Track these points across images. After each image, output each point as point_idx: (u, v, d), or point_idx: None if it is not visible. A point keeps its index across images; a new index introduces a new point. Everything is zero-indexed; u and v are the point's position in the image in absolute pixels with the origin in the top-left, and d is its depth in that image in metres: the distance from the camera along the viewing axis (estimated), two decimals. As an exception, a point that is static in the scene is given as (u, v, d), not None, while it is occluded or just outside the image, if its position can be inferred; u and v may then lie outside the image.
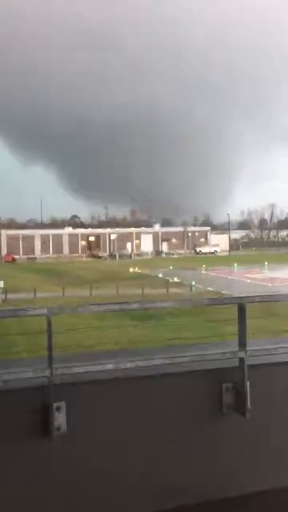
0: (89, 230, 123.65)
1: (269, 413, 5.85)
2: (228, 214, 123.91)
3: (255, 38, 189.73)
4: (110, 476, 5.31)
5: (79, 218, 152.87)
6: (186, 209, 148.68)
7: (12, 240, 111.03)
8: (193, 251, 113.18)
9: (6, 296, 36.80)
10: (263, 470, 5.81)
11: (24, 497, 5.04)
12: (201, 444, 5.63)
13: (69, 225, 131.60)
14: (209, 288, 40.69)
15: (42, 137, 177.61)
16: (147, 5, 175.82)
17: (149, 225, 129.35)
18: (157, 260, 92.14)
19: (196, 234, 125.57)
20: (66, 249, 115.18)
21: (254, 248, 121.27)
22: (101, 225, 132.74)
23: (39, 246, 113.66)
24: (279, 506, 5.78)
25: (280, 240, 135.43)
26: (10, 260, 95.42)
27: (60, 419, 5.02)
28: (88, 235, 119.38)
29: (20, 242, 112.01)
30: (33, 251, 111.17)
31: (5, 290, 37.74)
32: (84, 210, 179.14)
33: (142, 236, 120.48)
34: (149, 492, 5.43)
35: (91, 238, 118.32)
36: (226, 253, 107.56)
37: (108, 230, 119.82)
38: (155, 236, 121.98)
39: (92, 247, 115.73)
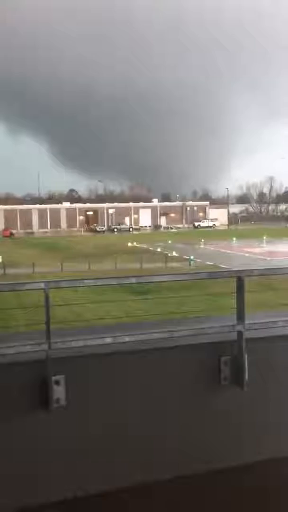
0: (87, 205, 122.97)
1: (267, 386, 5.88)
2: (227, 188, 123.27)
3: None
4: (109, 447, 5.36)
5: (76, 192, 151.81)
6: (186, 183, 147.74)
7: (9, 215, 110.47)
8: (192, 226, 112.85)
9: (4, 271, 36.78)
10: (261, 440, 5.88)
11: (24, 468, 5.10)
12: (200, 415, 5.67)
13: (66, 199, 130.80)
14: (208, 262, 40.70)
15: (41, 111, 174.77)
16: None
17: (148, 199, 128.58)
18: (155, 234, 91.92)
19: (195, 208, 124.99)
20: (64, 223, 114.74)
21: (253, 222, 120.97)
22: (99, 199, 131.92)
23: (37, 221, 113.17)
24: (278, 475, 5.87)
25: (279, 214, 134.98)
26: (8, 235, 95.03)
27: (59, 392, 5.03)
28: (86, 210, 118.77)
29: (18, 217, 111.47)
30: (31, 226, 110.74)
31: (3, 265, 37.72)
32: (82, 184, 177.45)
33: (141, 210, 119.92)
34: (149, 462, 5.49)
35: (89, 213, 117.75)
36: (225, 227, 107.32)
37: (106, 204, 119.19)
38: (154, 210, 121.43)
39: (90, 221, 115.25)
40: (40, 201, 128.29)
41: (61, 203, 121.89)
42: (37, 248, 61.92)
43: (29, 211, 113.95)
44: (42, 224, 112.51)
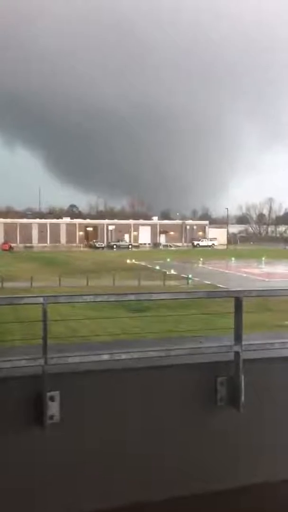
0: (87, 221, 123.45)
1: (264, 408, 5.85)
2: (227, 209, 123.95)
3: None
4: (104, 465, 5.30)
5: (77, 207, 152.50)
6: (185, 202, 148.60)
7: (9, 228, 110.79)
8: (190, 244, 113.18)
9: (2, 285, 36.74)
10: (257, 463, 5.82)
11: (16, 486, 5.03)
12: (195, 437, 5.63)
13: (67, 214, 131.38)
14: (206, 282, 40.73)
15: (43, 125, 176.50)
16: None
17: (147, 217, 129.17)
18: (154, 252, 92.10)
19: (195, 227, 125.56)
20: (63, 238, 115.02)
21: (252, 242, 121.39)
22: (99, 215, 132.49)
23: (37, 235, 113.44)
24: (274, 498, 5.80)
25: (278, 235, 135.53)
26: (7, 248, 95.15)
27: (53, 408, 5.00)
28: (86, 225, 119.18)
29: (18, 231, 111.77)
30: (30, 240, 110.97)
31: (1, 278, 37.68)
32: (82, 200, 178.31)
33: (140, 228, 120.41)
34: (144, 483, 5.43)
35: (89, 229, 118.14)
36: (224, 247, 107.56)
37: (106, 221, 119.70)
38: (153, 228, 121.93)
39: (90, 237, 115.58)
40: (40, 215, 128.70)
41: (61, 218, 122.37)
42: (35, 262, 61.93)
43: (29, 225, 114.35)
44: (42, 239, 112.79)
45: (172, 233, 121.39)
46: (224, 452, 5.73)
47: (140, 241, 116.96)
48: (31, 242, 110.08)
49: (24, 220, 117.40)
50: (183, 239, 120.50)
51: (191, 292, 7.63)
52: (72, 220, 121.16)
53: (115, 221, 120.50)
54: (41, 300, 5.13)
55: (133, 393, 5.44)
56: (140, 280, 38.23)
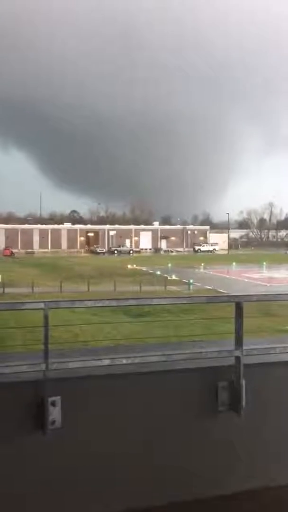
0: (88, 226, 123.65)
1: (265, 413, 5.85)
2: (228, 214, 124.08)
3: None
4: (104, 473, 5.30)
5: (78, 213, 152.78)
6: (186, 208, 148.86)
7: (11, 234, 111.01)
8: (192, 249, 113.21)
9: (3, 290, 36.78)
10: (258, 468, 5.82)
11: (17, 491, 5.03)
12: (196, 441, 5.63)
13: (68, 220, 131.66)
14: (207, 287, 40.73)
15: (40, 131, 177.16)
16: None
17: (148, 222, 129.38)
18: (155, 257, 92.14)
19: (196, 232, 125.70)
20: (64, 244, 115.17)
21: (253, 247, 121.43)
22: (100, 221, 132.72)
23: (38, 241, 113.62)
24: (274, 504, 5.78)
25: (279, 240, 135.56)
26: (9, 254, 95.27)
27: (55, 413, 5.00)
28: (87, 231, 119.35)
29: (19, 236, 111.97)
30: (31, 246, 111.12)
31: (3, 284, 37.72)
32: (83, 206, 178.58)
33: (141, 233, 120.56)
34: (145, 488, 5.43)
35: (90, 234, 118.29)
36: (225, 252, 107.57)
37: (107, 226, 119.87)
38: (154, 233, 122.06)
39: (91, 242, 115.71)
40: (42, 221, 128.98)
41: (62, 224, 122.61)
42: (37, 268, 61.99)
43: (30, 231, 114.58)
44: (43, 244, 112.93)
45: (173, 238, 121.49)
46: (226, 457, 5.72)
47: (141, 246, 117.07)
48: (32, 248, 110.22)
49: (25, 226, 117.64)
50: (184, 244, 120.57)
51: (191, 297, 7.68)
52: (73, 226, 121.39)
53: (116, 226, 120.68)
54: (42, 305, 5.15)
55: (134, 398, 5.45)
56: (141, 285, 38.25)
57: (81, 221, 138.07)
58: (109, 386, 5.37)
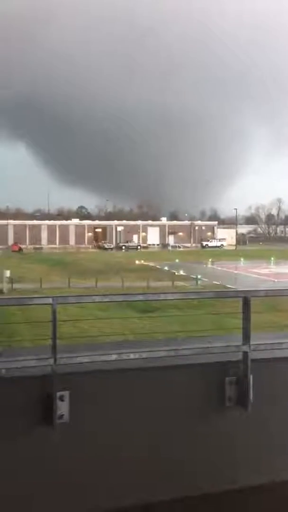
0: (95, 222, 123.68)
1: (271, 407, 5.85)
2: (235, 209, 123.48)
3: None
4: (112, 466, 5.34)
5: (86, 209, 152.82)
6: (194, 203, 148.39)
7: (19, 230, 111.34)
8: (199, 245, 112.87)
9: (12, 286, 36.92)
10: (264, 463, 5.83)
11: (26, 483, 5.09)
12: (203, 436, 5.65)
13: (75, 215, 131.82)
14: (215, 282, 40.61)
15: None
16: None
17: (156, 218, 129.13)
18: (163, 252, 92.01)
19: (203, 228, 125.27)
20: (72, 240, 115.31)
21: (261, 243, 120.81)
22: (108, 217, 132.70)
23: (46, 237, 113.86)
24: (280, 499, 5.80)
25: (287, 235, 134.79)
26: (17, 249, 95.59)
27: (63, 407, 5.04)
28: (94, 227, 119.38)
29: (27, 232, 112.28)
30: (39, 241, 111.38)
31: (11, 280, 37.88)
32: (91, 201, 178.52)
33: (149, 228, 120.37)
34: (152, 482, 5.46)
35: (98, 230, 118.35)
36: (233, 248, 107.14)
37: (115, 222, 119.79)
38: (162, 229, 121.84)
39: (99, 238, 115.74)
40: (49, 217, 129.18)
41: (70, 220, 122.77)
42: (45, 263, 62.14)
43: (38, 227, 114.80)
44: (51, 240, 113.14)
45: (180, 233, 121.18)
46: (232, 451, 5.74)
47: (149, 242, 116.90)
48: (40, 244, 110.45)
49: (34, 222, 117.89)
50: (191, 240, 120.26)
51: (199, 292, 7.61)
52: (81, 222, 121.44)
53: (124, 222, 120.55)
54: (50, 300, 5.18)
55: (141, 392, 5.47)
56: (149, 281, 38.24)
57: (88, 217, 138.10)
58: (117, 381, 5.40)
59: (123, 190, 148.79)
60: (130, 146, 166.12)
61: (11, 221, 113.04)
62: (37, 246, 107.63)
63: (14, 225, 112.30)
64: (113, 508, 5.26)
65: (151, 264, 61.18)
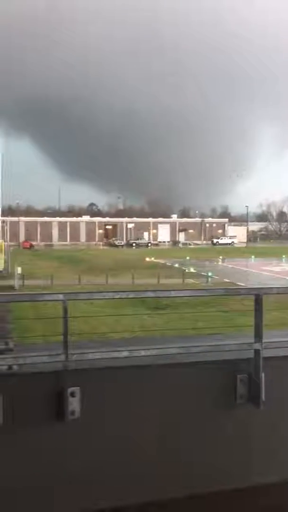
0: (106, 219, 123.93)
1: (284, 406, 5.81)
2: (247, 206, 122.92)
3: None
4: (122, 462, 5.34)
5: (96, 206, 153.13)
6: (205, 200, 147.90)
7: (30, 227, 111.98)
8: (210, 242, 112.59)
9: (23, 282, 37.15)
10: (276, 461, 5.79)
11: (37, 479, 5.10)
12: (214, 434, 5.62)
13: (86, 213, 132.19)
14: (226, 280, 40.48)
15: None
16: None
17: (166, 215, 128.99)
18: (173, 250, 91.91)
19: (214, 225, 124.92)
20: (83, 237, 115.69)
21: (271, 240, 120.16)
22: (118, 214, 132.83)
23: (57, 234, 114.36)
24: None
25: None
26: (28, 246, 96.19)
27: (74, 404, 5.05)
28: (105, 224, 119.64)
29: (38, 229, 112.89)
30: (50, 238, 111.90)
31: (23, 276, 38.10)
32: (102, 198, 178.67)
33: (159, 226, 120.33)
34: (162, 479, 5.45)
35: (108, 227, 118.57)
36: (244, 245, 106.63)
37: (126, 219, 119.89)
38: (173, 226, 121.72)
39: (109, 235, 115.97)
40: (60, 214, 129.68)
41: (81, 216, 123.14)
42: (56, 260, 62.41)
43: (49, 224, 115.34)
44: (62, 237, 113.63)
45: (191, 231, 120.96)
46: (243, 450, 5.70)
47: (159, 239, 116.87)
48: (51, 240, 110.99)
49: (45, 219, 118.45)
50: (202, 237, 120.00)
51: (210, 289, 7.56)
52: (91, 219, 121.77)
53: (134, 219, 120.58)
54: (61, 297, 5.18)
55: (152, 389, 5.46)
56: (159, 278, 38.22)
57: (99, 214, 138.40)
58: (128, 378, 5.39)
59: (134, 187, 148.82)
60: (142, 145, 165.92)
61: (22, 218, 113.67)
62: (48, 243, 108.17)
63: (25, 222, 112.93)
64: (121, 505, 5.27)
65: (162, 261, 61.15)
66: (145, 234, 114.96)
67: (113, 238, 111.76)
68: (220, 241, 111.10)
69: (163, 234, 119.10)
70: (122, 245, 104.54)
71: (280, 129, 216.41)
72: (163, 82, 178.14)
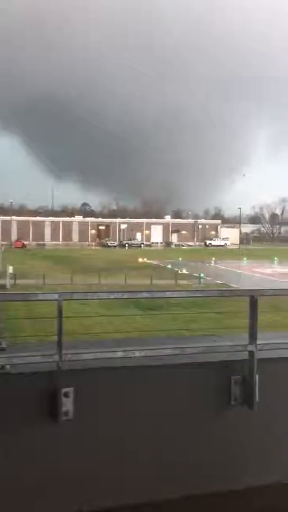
0: (99, 219, 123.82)
1: (278, 407, 5.81)
2: (239, 208, 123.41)
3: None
4: (116, 463, 5.31)
5: (89, 206, 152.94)
6: (198, 202, 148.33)
7: (22, 226, 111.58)
8: (203, 244, 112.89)
9: (15, 282, 37.00)
10: (270, 463, 5.79)
11: (29, 480, 5.06)
12: (208, 435, 5.61)
13: (79, 213, 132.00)
14: (218, 281, 40.62)
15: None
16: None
17: (160, 216, 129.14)
18: (166, 251, 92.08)
19: (207, 226, 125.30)
20: (75, 236, 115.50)
21: (264, 242, 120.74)
22: (111, 214, 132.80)
23: (49, 233, 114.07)
24: (286, 500, 5.76)
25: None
26: (20, 246, 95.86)
27: (68, 404, 5.01)
28: (98, 224, 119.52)
29: (30, 229, 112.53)
30: (43, 238, 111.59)
31: (15, 276, 37.95)
32: (95, 199, 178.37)
33: (152, 226, 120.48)
34: (156, 481, 5.43)
35: (101, 227, 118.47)
36: (236, 247, 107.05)
37: (119, 219, 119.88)
38: (166, 227, 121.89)
39: (102, 235, 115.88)
40: (53, 214, 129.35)
41: (74, 216, 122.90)
42: (48, 260, 62.25)
43: (41, 223, 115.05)
44: (54, 237, 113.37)
45: (184, 232, 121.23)
46: (237, 451, 5.70)
47: (152, 240, 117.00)
48: (43, 240, 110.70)
49: (37, 218, 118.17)
50: (195, 238, 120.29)
51: (204, 291, 7.60)
52: (84, 219, 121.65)
53: (127, 219, 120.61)
54: (56, 296, 5.14)
55: (146, 390, 5.44)
56: (152, 278, 38.24)
57: (92, 214, 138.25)
58: (122, 378, 5.36)
59: (127, 188, 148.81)
60: (135, 146, 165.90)
61: (15, 217, 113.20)
62: (40, 242, 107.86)
63: (18, 221, 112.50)
64: (116, 506, 5.24)
65: (154, 262, 61.22)
66: (138, 235, 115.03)
67: (106, 239, 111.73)
68: (213, 242, 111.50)
69: (156, 235, 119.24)
70: (114, 246, 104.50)
71: (273, 131, 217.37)
72: (158, 83, 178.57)
